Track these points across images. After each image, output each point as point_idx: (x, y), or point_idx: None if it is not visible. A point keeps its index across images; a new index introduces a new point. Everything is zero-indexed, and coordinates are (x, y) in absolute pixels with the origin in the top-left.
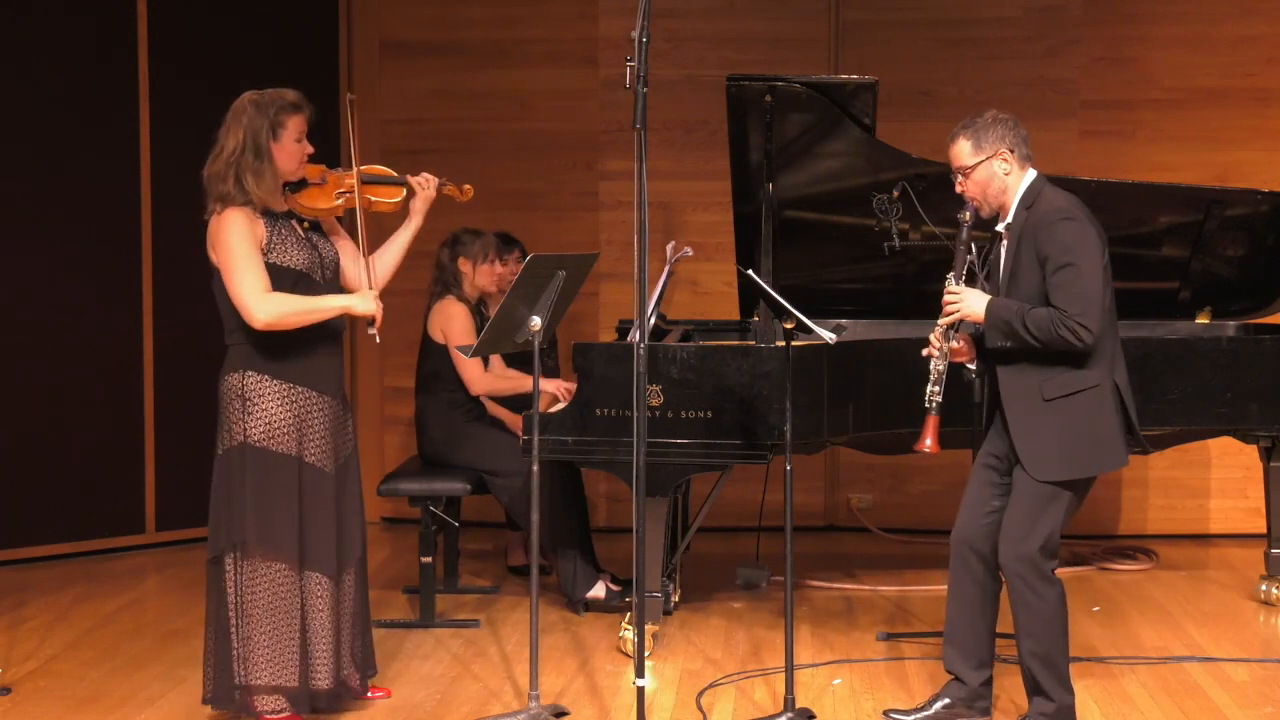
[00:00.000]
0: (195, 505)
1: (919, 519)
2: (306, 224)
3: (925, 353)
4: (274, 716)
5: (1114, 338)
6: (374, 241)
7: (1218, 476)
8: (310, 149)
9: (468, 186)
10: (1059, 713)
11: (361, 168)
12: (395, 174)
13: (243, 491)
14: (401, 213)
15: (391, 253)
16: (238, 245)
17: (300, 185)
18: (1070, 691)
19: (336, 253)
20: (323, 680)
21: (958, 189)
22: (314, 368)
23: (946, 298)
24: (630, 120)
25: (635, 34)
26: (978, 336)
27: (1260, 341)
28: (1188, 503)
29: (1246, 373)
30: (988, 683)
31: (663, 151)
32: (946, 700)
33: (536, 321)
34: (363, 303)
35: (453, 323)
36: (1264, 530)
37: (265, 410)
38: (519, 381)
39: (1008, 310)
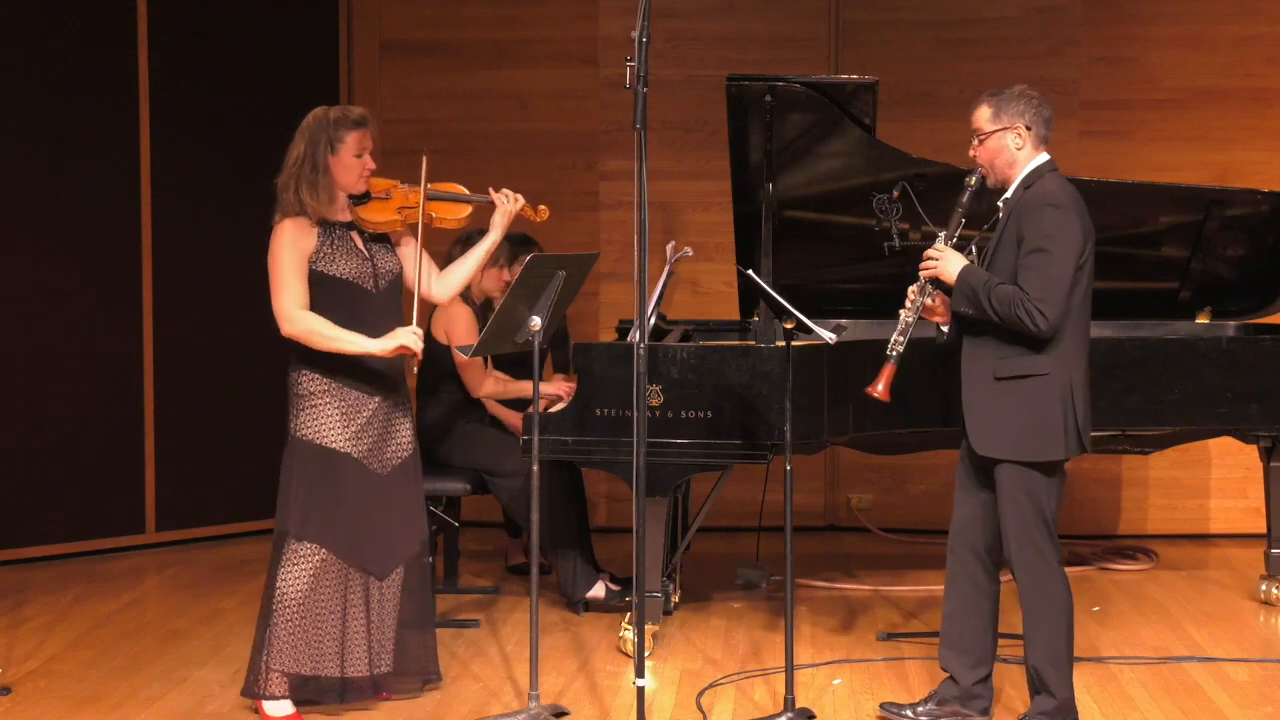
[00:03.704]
0: (195, 505)
1: (919, 519)
2: (367, 235)
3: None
4: (277, 700)
5: (1081, 335)
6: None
7: (1218, 476)
8: (372, 165)
9: (543, 207)
10: (1060, 709)
11: (433, 184)
12: (467, 192)
13: (291, 482)
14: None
15: (468, 265)
16: (284, 258)
17: (363, 198)
18: (1072, 689)
19: (399, 264)
20: (356, 669)
21: (971, 153)
22: (365, 369)
23: (929, 253)
24: (630, 120)
25: (635, 34)
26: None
27: (1260, 341)
28: (1188, 503)
29: (1246, 373)
30: (983, 681)
31: (663, 151)
32: (940, 697)
33: (536, 321)
34: (381, 346)
35: (456, 323)
36: (1264, 530)
37: (315, 408)
38: (519, 385)
39: (977, 278)
